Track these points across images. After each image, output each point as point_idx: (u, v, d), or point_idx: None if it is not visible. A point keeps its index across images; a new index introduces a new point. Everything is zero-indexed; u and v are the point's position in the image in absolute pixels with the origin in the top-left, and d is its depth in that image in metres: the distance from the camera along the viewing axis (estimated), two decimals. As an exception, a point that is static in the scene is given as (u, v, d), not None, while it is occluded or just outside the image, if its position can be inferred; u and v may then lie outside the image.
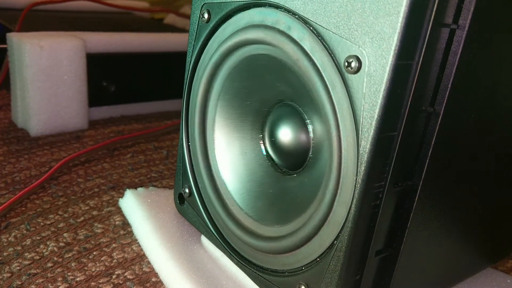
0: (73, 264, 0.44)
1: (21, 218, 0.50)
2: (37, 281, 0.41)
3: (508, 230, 0.45)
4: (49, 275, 0.42)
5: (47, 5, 1.02)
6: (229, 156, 0.41)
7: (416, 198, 0.32)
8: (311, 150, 0.36)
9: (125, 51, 0.80)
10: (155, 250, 0.44)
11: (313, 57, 0.30)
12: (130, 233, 0.49)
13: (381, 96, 0.27)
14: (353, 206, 0.29)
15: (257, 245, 0.37)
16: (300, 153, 0.37)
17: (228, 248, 0.41)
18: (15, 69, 0.71)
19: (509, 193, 0.41)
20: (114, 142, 0.69)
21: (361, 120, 0.28)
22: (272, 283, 0.37)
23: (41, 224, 0.49)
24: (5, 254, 0.44)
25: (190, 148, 0.44)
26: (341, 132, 0.29)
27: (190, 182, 0.45)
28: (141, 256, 0.45)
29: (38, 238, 0.47)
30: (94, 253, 0.45)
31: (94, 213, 0.52)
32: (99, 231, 0.49)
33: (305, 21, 0.31)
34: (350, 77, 0.28)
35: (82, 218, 0.51)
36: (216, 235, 0.43)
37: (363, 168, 0.28)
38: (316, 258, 0.33)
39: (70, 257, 0.45)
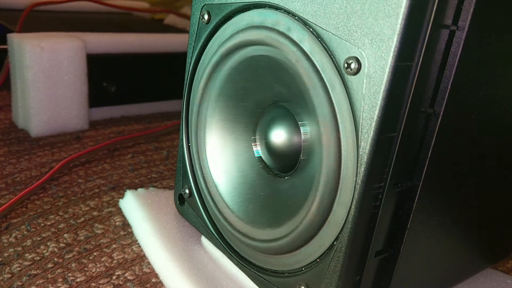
0: (73, 265, 0.44)
1: (22, 218, 0.50)
2: (38, 282, 0.41)
3: (508, 231, 0.45)
4: (49, 276, 0.42)
5: (48, 6, 1.02)
6: (223, 158, 0.41)
7: (416, 198, 0.32)
8: (302, 153, 0.36)
9: (126, 51, 0.80)
10: (155, 250, 0.44)
11: (312, 58, 0.30)
12: (130, 234, 0.49)
13: (380, 97, 0.27)
14: (353, 207, 0.29)
15: (256, 246, 0.37)
16: (291, 155, 0.37)
17: (228, 248, 0.41)
18: (15, 70, 0.71)
19: (509, 193, 0.41)
20: (114, 143, 0.69)
21: (361, 121, 0.28)
22: (272, 283, 0.37)
23: (42, 224, 0.49)
24: (5, 255, 0.44)
25: (190, 148, 0.44)
26: (341, 133, 0.29)
27: (190, 182, 0.45)
28: (141, 257, 0.46)
29: (39, 238, 0.47)
30: (95, 253, 0.46)
31: (95, 213, 0.52)
32: (99, 231, 0.49)
33: (304, 23, 0.31)
34: (350, 78, 0.28)
35: (82, 219, 0.51)
36: (216, 235, 0.43)
37: (363, 169, 0.28)
38: (316, 259, 0.33)
39: (70, 257, 0.45)
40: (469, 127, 0.33)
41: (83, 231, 0.49)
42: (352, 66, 0.28)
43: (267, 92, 0.38)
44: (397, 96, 0.27)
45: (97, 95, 0.78)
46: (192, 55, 0.43)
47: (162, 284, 0.42)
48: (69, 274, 0.42)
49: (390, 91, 0.27)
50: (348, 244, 0.30)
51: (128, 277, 0.43)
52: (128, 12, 1.21)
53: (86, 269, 0.43)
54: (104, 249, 0.46)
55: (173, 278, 0.41)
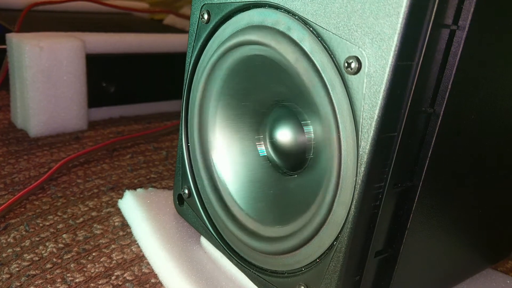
0: (72, 265, 0.44)
1: (20, 219, 0.50)
2: (36, 282, 0.41)
3: (507, 231, 0.45)
4: (48, 276, 0.42)
5: (47, 6, 1.02)
6: (229, 157, 0.41)
7: (416, 198, 0.32)
8: (311, 151, 0.36)
9: (125, 51, 0.80)
10: (154, 251, 0.44)
11: (313, 58, 0.30)
12: (130, 234, 0.49)
13: (381, 97, 0.27)
14: (352, 206, 0.29)
15: (257, 246, 0.37)
16: (300, 154, 0.37)
17: (228, 249, 0.41)
18: (14, 70, 0.71)
19: (509, 193, 0.41)
20: (113, 143, 0.69)
21: (361, 120, 0.28)
22: (272, 284, 0.37)
23: (40, 225, 0.49)
24: (4, 255, 0.44)
25: (190, 149, 0.44)
26: (341, 133, 0.29)
27: (189, 183, 0.45)
28: (141, 257, 0.45)
29: (37, 239, 0.47)
30: (93, 254, 0.45)
31: (93, 214, 0.52)
32: (98, 232, 0.49)
33: (305, 22, 0.31)
34: (350, 78, 0.28)
35: (81, 219, 0.51)
36: (215, 236, 0.42)
37: (362, 169, 0.28)
38: (316, 259, 0.33)
39: (69, 258, 0.45)
40: (469, 127, 0.33)
41: (82, 231, 0.49)
42: (353, 65, 0.28)
43: (268, 91, 0.38)
44: (398, 95, 0.27)
45: (96, 95, 0.78)
46: (191, 55, 0.43)
47: (161, 285, 0.42)
48: (68, 275, 0.42)
49: (391, 90, 0.27)
50: (348, 244, 0.30)
51: (127, 278, 0.43)
52: (127, 12, 1.21)
53: (85, 269, 0.43)
54: (103, 250, 0.46)
55: (172, 278, 0.41)
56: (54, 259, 0.44)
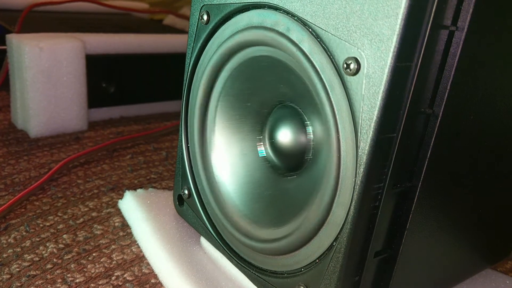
0: (72, 266, 0.44)
1: (21, 219, 0.50)
2: (37, 283, 0.41)
3: (507, 231, 0.45)
4: (48, 276, 0.42)
5: (47, 6, 1.02)
6: (228, 158, 0.41)
7: (415, 199, 0.32)
8: (310, 152, 0.36)
9: (125, 52, 0.80)
10: (154, 251, 0.44)
11: (312, 59, 0.30)
12: (130, 235, 0.49)
13: (380, 98, 0.27)
14: (352, 207, 0.29)
15: (256, 247, 0.37)
16: (299, 154, 0.37)
17: (228, 249, 0.41)
18: (14, 71, 0.71)
19: (508, 194, 0.41)
20: (113, 143, 0.69)
21: (360, 121, 0.28)
22: (272, 284, 0.37)
23: (41, 225, 0.49)
24: (4, 255, 0.44)
25: (190, 149, 0.44)
26: (340, 134, 0.29)
27: (189, 183, 0.45)
28: (141, 258, 0.45)
29: (38, 239, 0.47)
30: (94, 254, 0.45)
31: (94, 214, 0.52)
32: (98, 232, 0.49)
33: (304, 23, 0.31)
34: (349, 79, 0.28)
35: (81, 220, 0.51)
36: (215, 236, 0.43)
37: (362, 169, 0.28)
38: (315, 260, 0.33)
39: (69, 258, 0.45)
40: (468, 128, 0.33)
41: (82, 232, 0.49)
42: (352, 66, 0.28)
43: (272, 92, 0.38)
44: (397, 96, 0.27)
45: (96, 96, 0.78)
46: (191, 56, 0.43)
47: (162, 285, 0.42)
48: (68, 275, 0.42)
49: (390, 91, 0.27)
50: (347, 244, 0.30)
51: (127, 278, 0.43)
52: (127, 12, 1.21)
53: (85, 269, 0.43)
54: (103, 250, 0.46)
55: (172, 278, 0.41)
56: (55, 260, 0.44)
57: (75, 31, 0.82)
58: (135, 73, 0.84)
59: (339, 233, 0.31)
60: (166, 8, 1.43)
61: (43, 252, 0.45)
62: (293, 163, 0.38)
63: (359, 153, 0.28)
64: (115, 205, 0.54)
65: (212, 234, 0.43)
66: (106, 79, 0.80)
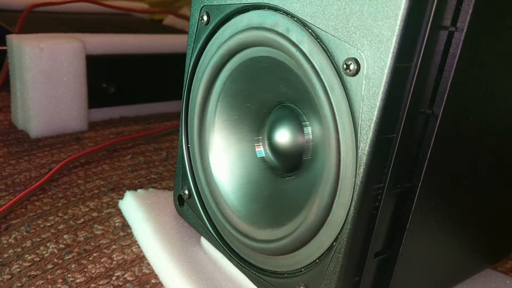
0: (73, 266, 0.44)
1: (21, 219, 0.50)
2: (37, 283, 0.41)
3: (507, 231, 0.45)
4: (49, 277, 0.42)
5: (47, 7, 1.02)
6: (227, 158, 0.41)
7: (415, 199, 0.32)
8: (309, 152, 0.36)
9: (125, 52, 0.80)
10: (154, 251, 0.44)
11: (312, 60, 0.31)
12: (130, 235, 0.49)
13: (379, 99, 0.27)
14: (352, 207, 0.29)
15: (256, 247, 0.37)
16: (297, 155, 0.37)
17: (228, 249, 0.41)
18: (15, 71, 0.71)
19: (508, 194, 0.41)
20: (113, 144, 0.69)
21: (360, 122, 0.28)
22: (272, 284, 0.37)
23: (41, 225, 0.49)
24: (5, 256, 0.44)
25: (190, 149, 0.44)
26: (340, 134, 0.29)
27: (189, 183, 0.45)
28: (141, 258, 0.46)
29: (38, 239, 0.47)
30: (94, 254, 0.46)
31: (94, 214, 0.52)
32: (99, 232, 0.49)
33: (304, 24, 0.31)
34: (349, 80, 0.28)
35: (82, 220, 0.51)
36: (215, 236, 0.43)
37: (362, 170, 0.28)
38: (315, 260, 0.33)
39: (70, 258, 0.45)
40: (468, 128, 0.33)
41: (82, 232, 0.49)
42: (351, 67, 0.28)
43: (271, 92, 0.38)
44: (396, 97, 0.27)
45: (96, 96, 0.78)
46: (191, 56, 0.43)
47: (162, 285, 0.42)
48: (69, 275, 0.42)
49: (389, 92, 0.27)
50: (347, 245, 0.30)
51: (128, 278, 0.43)
52: (127, 13, 1.21)
53: (85, 270, 0.43)
54: (104, 250, 0.46)
55: (173, 279, 0.41)
56: (55, 260, 0.44)
57: (75, 31, 0.82)
58: (135, 73, 0.84)
59: (339, 234, 0.31)
60: (166, 9, 1.43)
61: (44, 252, 0.45)
62: (291, 164, 0.38)
63: (359, 154, 0.28)
64: (115, 205, 0.54)
65: (212, 234, 0.43)
66: (106, 79, 0.80)
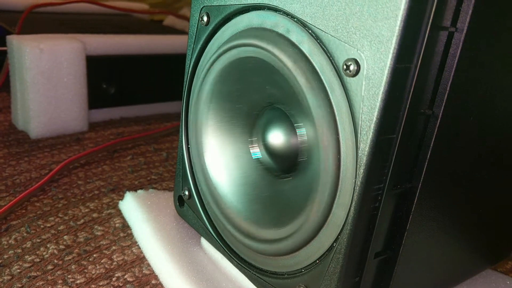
0: (73, 267, 0.44)
1: (22, 220, 0.50)
2: (37, 284, 0.41)
3: (507, 232, 0.45)
4: (49, 277, 0.42)
5: (47, 8, 1.02)
6: (223, 159, 0.41)
7: (415, 200, 0.32)
8: (303, 153, 0.36)
9: (125, 53, 0.81)
10: (155, 252, 0.44)
11: (312, 60, 0.31)
12: (130, 235, 0.49)
13: (379, 99, 0.27)
14: (352, 208, 0.29)
15: (256, 248, 0.37)
16: (291, 156, 0.37)
17: (228, 250, 0.41)
18: (15, 72, 0.71)
19: (508, 194, 0.41)
20: (114, 144, 0.69)
21: (360, 123, 0.28)
22: (272, 285, 0.37)
23: (42, 226, 0.49)
24: (5, 256, 0.44)
25: (190, 150, 0.44)
26: (340, 135, 0.29)
27: (189, 184, 0.45)
28: (141, 259, 0.46)
29: (38, 240, 0.47)
30: (94, 255, 0.46)
31: (94, 215, 0.52)
32: (99, 233, 0.49)
33: (304, 24, 0.31)
34: (349, 80, 0.28)
35: (82, 221, 0.51)
36: (216, 237, 0.43)
37: (362, 170, 0.28)
38: (316, 260, 0.33)
39: (70, 259, 0.45)
40: (468, 129, 0.33)
41: (82, 232, 0.49)
42: (351, 68, 0.28)
43: (261, 94, 0.38)
44: (396, 97, 0.28)
45: (96, 97, 0.78)
46: (191, 57, 0.43)
47: (162, 286, 0.42)
48: (69, 276, 0.42)
49: (389, 93, 0.27)
50: (348, 245, 0.30)
51: (128, 279, 0.43)
52: (127, 13, 1.21)
53: (86, 271, 0.43)
54: (104, 251, 0.46)
55: (173, 279, 0.41)
56: (55, 261, 0.44)
57: (75, 32, 0.82)
58: (135, 74, 0.84)
59: (339, 234, 0.31)
60: (166, 9, 1.44)
61: (44, 253, 0.45)
62: (286, 165, 0.38)
63: (359, 154, 0.28)
64: (115, 206, 0.54)
65: (212, 235, 0.43)
66: (107, 80, 0.80)
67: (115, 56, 0.79)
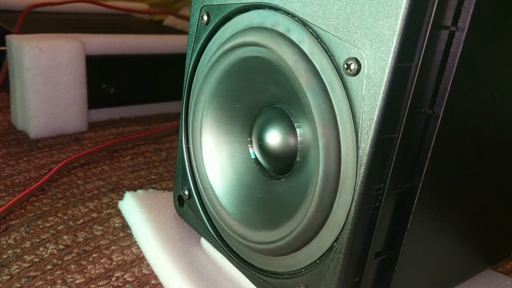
0: (72, 267, 0.44)
1: (21, 220, 0.50)
2: (37, 284, 0.41)
3: (507, 232, 0.45)
4: (48, 277, 0.42)
5: (46, 7, 1.02)
6: (218, 160, 0.40)
7: (416, 200, 0.32)
8: (300, 154, 0.36)
9: (125, 53, 0.80)
10: (154, 252, 0.44)
11: (312, 59, 0.30)
12: (130, 235, 0.49)
13: (380, 98, 0.27)
14: (352, 208, 0.29)
15: (254, 248, 0.37)
16: (287, 157, 0.37)
17: (228, 250, 0.41)
18: (14, 71, 0.71)
19: (509, 194, 0.41)
20: (113, 144, 0.69)
21: (361, 122, 0.28)
22: (272, 285, 0.37)
23: (41, 226, 0.49)
24: (4, 256, 0.44)
25: (190, 150, 0.44)
26: (341, 134, 0.29)
27: (189, 184, 0.45)
28: (141, 258, 0.45)
29: (38, 240, 0.47)
30: (94, 255, 0.45)
31: (94, 215, 0.52)
32: (98, 233, 0.49)
33: (304, 23, 0.31)
34: (350, 79, 0.28)
35: (81, 221, 0.51)
36: (215, 237, 0.43)
37: (362, 170, 0.28)
38: (316, 260, 0.33)
39: (69, 259, 0.45)
40: (469, 128, 0.33)
41: (82, 232, 0.49)
42: (352, 67, 0.28)
43: (262, 93, 0.38)
44: (397, 97, 0.27)
45: (96, 97, 0.78)
46: (191, 56, 0.43)
47: (162, 286, 0.42)
48: (68, 276, 0.42)
49: (390, 92, 0.27)
50: (348, 245, 0.30)
51: (128, 279, 0.43)
52: (127, 13, 1.21)
53: (85, 270, 0.43)
54: (103, 251, 0.46)
55: (173, 279, 0.41)
56: (55, 261, 0.44)
57: (75, 32, 0.82)
58: (135, 74, 0.84)
59: (339, 234, 0.31)
60: (166, 9, 1.44)
61: (43, 253, 0.45)
62: (281, 166, 0.38)
63: (360, 154, 0.28)
64: (115, 206, 0.54)
65: (212, 235, 0.43)
66: (106, 80, 0.80)
67: (114, 56, 0.79)
